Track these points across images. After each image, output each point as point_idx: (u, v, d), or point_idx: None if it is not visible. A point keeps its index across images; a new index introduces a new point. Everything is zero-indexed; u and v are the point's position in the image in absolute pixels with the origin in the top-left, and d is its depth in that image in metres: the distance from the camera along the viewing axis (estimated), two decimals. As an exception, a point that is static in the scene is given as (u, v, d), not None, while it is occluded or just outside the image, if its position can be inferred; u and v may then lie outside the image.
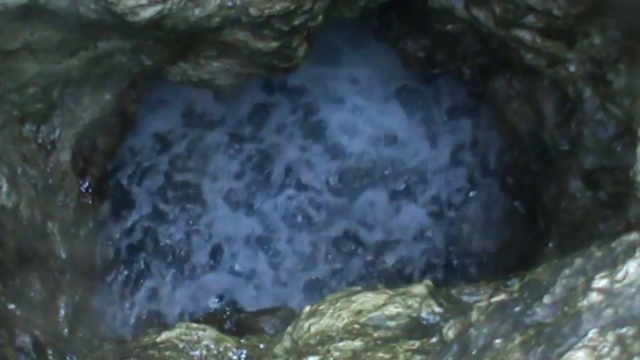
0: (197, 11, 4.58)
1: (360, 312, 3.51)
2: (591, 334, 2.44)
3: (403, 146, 7.43)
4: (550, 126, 5.95)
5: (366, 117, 7.50)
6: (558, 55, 5.57)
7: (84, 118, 5.84)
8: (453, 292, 3.63)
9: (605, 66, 5.30)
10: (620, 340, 2.36)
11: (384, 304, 3.51)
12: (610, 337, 2.39)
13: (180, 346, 4.11)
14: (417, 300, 3.50)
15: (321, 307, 3.60)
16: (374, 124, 7.49)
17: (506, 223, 7.01)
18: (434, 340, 3.13)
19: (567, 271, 2.87)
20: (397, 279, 7.03)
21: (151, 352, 4.17)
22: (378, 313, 3.49)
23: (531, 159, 6.39)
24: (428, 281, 3.64)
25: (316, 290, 7.05)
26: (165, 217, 7.27)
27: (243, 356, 4.24)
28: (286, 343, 3.63)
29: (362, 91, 7.56)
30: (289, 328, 3.66)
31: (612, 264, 2.66)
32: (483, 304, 3.08)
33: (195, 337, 4.14)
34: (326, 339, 3.42)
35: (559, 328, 2.60)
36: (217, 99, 7.46)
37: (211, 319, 6.03)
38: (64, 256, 5.76)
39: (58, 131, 5.70)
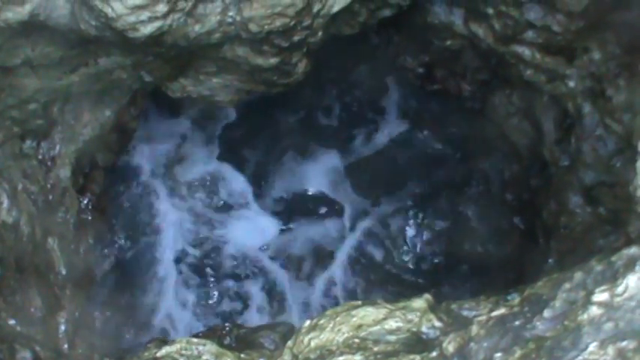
0: (197, 27, 4.60)
1: (360, 326, 3.50)
2: (592, 347, 2.44)
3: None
4: (549, 142, 5.96)
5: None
6: (558, 71, 5.58)
7: (84, 135, 5.84)
8: (453, 306, 3.62)
9: (604, 82, 5.31)
10: (621, 354, 2.36)
11: (384, 319, 3.50)
12: (610, 350, 2.39)
13: (181, 360, 4.10)
14: (417, 314, 3.49)
15: (322, 322, 3.59)
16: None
17: (505, 238, 7.00)
18: (434, 354, 3.12)
19: (567, 285, 2.87)
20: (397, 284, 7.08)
21: (151, 366, 4.16)
22: (378, 327, 3.48)
23: (531, 175, 6.39)
24: (428, 295, 3.63)
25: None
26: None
27: (243, 371, 4.23)
28: (286, 357, 3.62)
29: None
30: (289, 343, 3.64)
31: (612, 278, 2.66)
32: (483, 318, 3.07)
33: (196, 352, 4.12)
34: (326, 353, 3.41)
35: (559, 342, 2.60)
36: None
37: (211, 334, 6.01)
38: (64, 271, 5.76)
39: (58, 147, 5.70)
